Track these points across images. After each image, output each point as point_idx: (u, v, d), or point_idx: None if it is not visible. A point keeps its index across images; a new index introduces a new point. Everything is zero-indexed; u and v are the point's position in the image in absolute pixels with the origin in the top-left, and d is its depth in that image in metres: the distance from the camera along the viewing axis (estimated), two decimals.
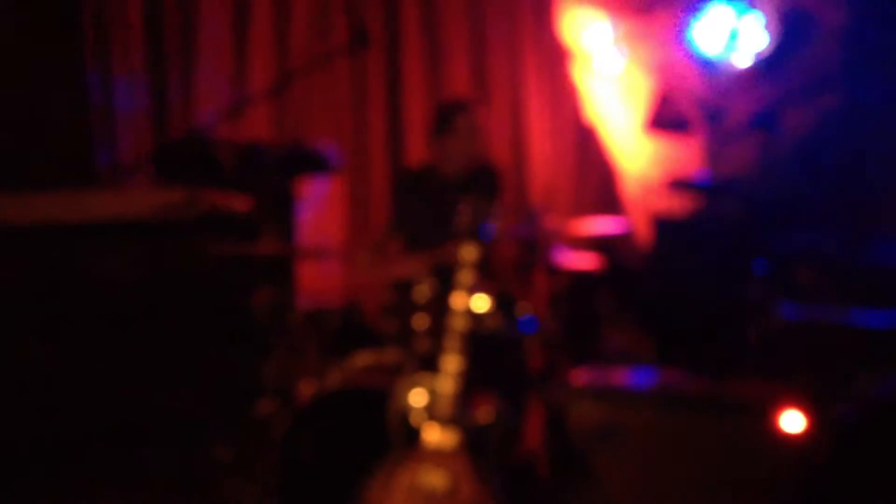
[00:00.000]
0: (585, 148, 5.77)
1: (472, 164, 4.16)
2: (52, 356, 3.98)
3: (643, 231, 5.40)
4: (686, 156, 5.36)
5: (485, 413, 2.99)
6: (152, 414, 4.09)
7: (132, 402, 4.08)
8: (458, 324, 3.03)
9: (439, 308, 3.41)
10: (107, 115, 4.88)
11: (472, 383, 3.03)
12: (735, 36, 5.06)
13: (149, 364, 4.13)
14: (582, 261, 4.41)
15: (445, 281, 3.31)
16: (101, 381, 4.06)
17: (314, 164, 4.78)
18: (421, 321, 3.54)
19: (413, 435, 2.99)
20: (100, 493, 3.73)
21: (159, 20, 5.01)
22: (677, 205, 5.21)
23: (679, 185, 5.10)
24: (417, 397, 3.01)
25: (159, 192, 4.31)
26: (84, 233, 4.01)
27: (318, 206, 4.80)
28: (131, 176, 4.90)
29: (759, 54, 5.04)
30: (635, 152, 5.52)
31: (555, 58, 5.66)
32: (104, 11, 4.85)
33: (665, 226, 5.16)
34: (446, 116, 4.16)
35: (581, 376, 3.55)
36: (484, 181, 4.20)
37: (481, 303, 3.54)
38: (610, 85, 5.50)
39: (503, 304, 3.68)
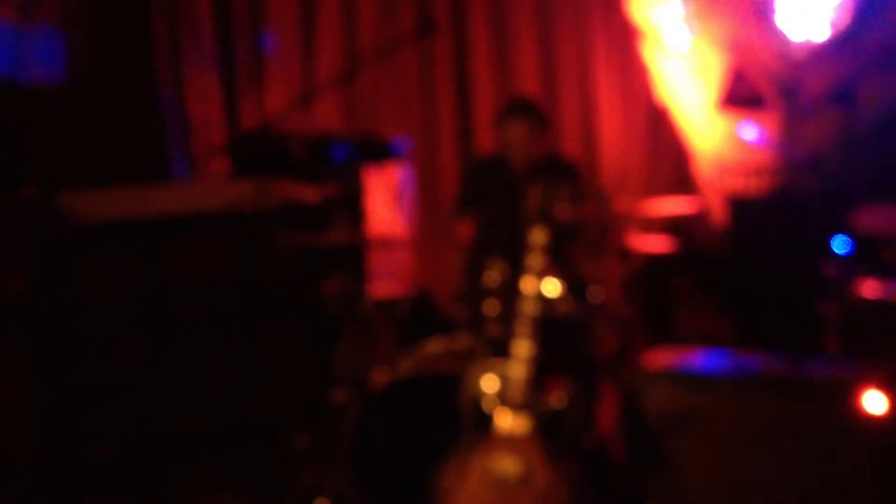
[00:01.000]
0: (658, 128, 5.69)
1: (524, 163, 4.10)
2: (130, 349, 4.05)
3: (718, 211, 5.31)
4: (761, 133, 5.25)
5: (557, 398, 2.96)
6: (229, 404, 4.15)
7: (209, 392, 4.14)
8: (529, 309, 3.01)
9: (510, 293, 3.39)
10: (180, 109, 4.96)
11: (544, 368, 3.01)
12: (810, 9, 4.94)
13: (224, 354, 4.19)
14: (655, 243, 4.36)
15: (515, 265, 3.29)
16: (178, 373, 4.12)
17: (384, 153, 4.80)
18: (492, 307, 3.53)
19: (485, 421, 2.98)
20: (181, 483, 3.79)
21: (228, 14, 5.07)
22: (753, 184, 5.11)
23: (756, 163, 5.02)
24: (489, 383, 3.00)
25: (232, 184, 4.36)
26: (158, 227, 4.08)
27: (388, 195, 4.81)
28: (205, 169, 4.97)
29: (835, 27, 4.91)
30: (709, 131, 5.42)
31: (624, 37, 5.59)
32: (175, 7, 4.92)
33: (741, 205, 5.06)
34: (501, 116, 4.10)
35: (656, 359, 3.50)
36: (555, 171, 4.15)
37: (552, 287, 3.51)
38: (681, 63, 5.40)
39: (575, 288, 3.64)
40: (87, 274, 3.98)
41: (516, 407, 2.95)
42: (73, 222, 3.82)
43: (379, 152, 4.79)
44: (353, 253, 4.23)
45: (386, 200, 4.78)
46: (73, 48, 4.51)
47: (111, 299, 4.03)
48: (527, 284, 3.04)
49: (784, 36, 5.06)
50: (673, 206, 4.37)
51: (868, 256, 4.18)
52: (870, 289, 4.00)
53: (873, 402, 3.06)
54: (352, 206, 4.45)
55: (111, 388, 4.00)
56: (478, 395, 3.00)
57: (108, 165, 4.48)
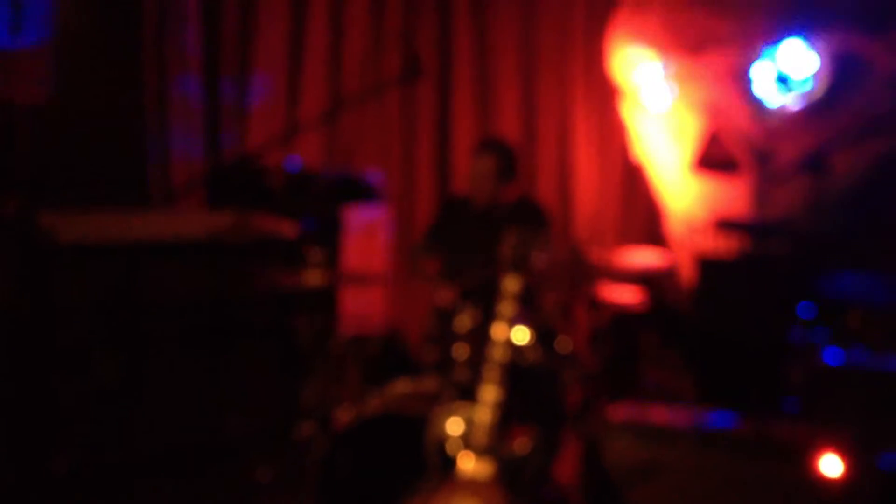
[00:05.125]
0: (632, 185, 5.78)
1: (484, 200, 4.19)
2: (100, 371, 4.04)
3: (687, 270, 5.38)
4: (733, 196, 5.34)
5: (520, 444, 3.00)
6: (195, 434, 4.14)
7: (176, 422, 4.13)
8: (497, 354, 3.05)
9: (480, 338, 3.42)
10: (161, 137, 4.98)
11: (509, 414, 3.04)
12: (787, 78, 5.05)
13: (193, 385, 4.18)
14: (625, 295, 4.41)
15: (487, 311, 3.33)
16: (146, 401, 4.11)
17: (362, 192, 4.85)
18: (461, 351, 3.56)
19: (448, 463, 3.00)
20: None
21: (216, 46, 5.12)
22: (723, 245, 5.18)
23: (726, 225, 5.08)
24: (454, 426, 3.03)
25: (210, 215, 4.38)
26: (135, 251, 4.08)
27: (364, 234, 4.85)
28: (183, 198, 4.99)
29: (810, 97, 5.02)
30: (682, 191, 5.51)
31: (604, 93, 5.69)
32: (163, 37, 4.96)
33: (709, 266, 5.13)
34: (472, 150, 4.27)
35: (619, 412, 3.54)
36: (525, 215, 4.22)
37: (522, 335, 3.56)
38: (658, 123, 5.50)
39: (543, 337, 3.69)
40: (63, 293, 3.98)
41: (480, 451, 2.98)
42: (52, 242, 3.82)
43: (357, 190, 4.84)
44: (327, 290, 4.25)
45: (363, 238, 4.81)
46: (60, 69, 4.53)
47: (85, 320, 4.02)
48: (497, 331, 3.08)
49: (760, 103, 5.16)
50: (644, 257, 4.43)
51: (833, 322, 4.25)
52: (832, 355, 4.07)
53: (830, 465, 3.11)
54: (327, 242, 4.47)
55: (80, 407, 3.98)
56: (442, 438, 3.03)
57: (88, 185, 4.49)
